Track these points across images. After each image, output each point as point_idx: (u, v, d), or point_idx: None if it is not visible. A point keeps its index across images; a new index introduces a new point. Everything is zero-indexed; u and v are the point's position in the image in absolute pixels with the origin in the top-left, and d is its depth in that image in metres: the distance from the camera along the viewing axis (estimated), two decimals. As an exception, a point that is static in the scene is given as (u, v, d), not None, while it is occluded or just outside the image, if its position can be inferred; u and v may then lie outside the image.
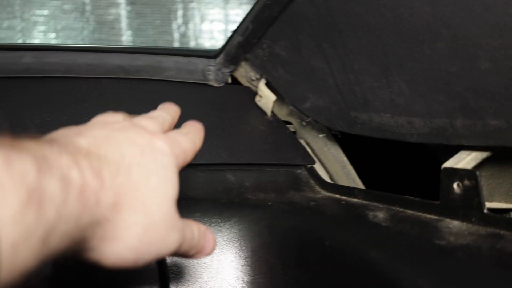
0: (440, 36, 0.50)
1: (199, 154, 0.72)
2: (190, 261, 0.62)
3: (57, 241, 0.29)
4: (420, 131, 0.59)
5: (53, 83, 0.78)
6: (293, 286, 0.60)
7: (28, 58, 0.77)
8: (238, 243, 0.64)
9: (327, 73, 0.67)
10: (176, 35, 3.49)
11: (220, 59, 0.84)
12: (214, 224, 0.64)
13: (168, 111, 0.50)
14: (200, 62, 0.86)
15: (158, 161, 0.38)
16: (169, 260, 0.61)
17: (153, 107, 0.78)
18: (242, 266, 0.63)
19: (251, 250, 0.64)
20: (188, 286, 0.61)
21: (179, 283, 0.61)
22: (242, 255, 0.64)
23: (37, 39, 2.84)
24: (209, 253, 0.45)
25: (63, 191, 0.29)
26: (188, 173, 0.72)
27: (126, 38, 3.40)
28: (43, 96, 0.75)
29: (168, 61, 0.84)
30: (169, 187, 0.39)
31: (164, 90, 0.83)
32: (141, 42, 3.51)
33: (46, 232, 0.27)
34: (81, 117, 0.73)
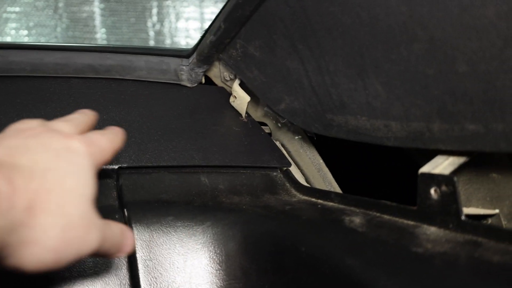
0: (417, 38, 0.49)
1: (172, 155, 0.71)
2: (162, 266, 0.60)
3: None
4: (397, 135, 0.58)
5: (20, 83, 0.75)
6: (268, 292, 0.59)
7: (-8, 56, 0.75)
8: (212, 247, 0.62)
9: (303, 74, 0.66)
10: (151, 33, 3.46)
11: (193, 58, 0.82)
12: (188, 228, 0.62)
13: (84, 113, 0.51)
14: (172, 62, 0.84)
15: (73, 163, 0.40)
16: (140, 265, 0.59)
17: (125, 107, 0.77)
18: (216, 270, 0.62)
19: (226, 254, 0.62)
20: None
21: (150, 290, 0.59)
22: (216, 260, 0.62)
23: (8, 36, 2.79)
24: (128, 251, 0.47)
25: None
26: (160, 175, 0.70)
27: (100, 36, 3.36)
28: (9, 96, 0.72)
29: (139, 61, 0.82)
30: (86, 187, 0.39)
31: (136, 90, 0.81)
32: (116, 40, 3.47)
33: None
34: (50, 117, 0.70)
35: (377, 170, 1.03)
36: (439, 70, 0.49)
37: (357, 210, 0.61)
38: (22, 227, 0.34)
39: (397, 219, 0.56)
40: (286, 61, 0.67)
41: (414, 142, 0.57)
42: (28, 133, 0.40)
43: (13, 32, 2.86)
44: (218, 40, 0.73)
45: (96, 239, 0.40)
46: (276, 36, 0.65)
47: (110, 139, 0.46)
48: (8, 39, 2.67)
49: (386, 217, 0.57)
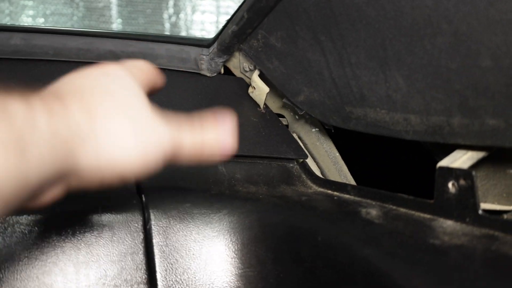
0: (442, 31, 0.49)
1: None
2: (178, 252, 0.61)
3: (39, 152, 0.32)
4: (416, 129, 0.59)
5: (42, 66, 0.76)
6: (284, 280, 0.59)
7: (16, 39, 0.75)
8: (228, 235, 0.63)
9: (323, 66, 0.66)
10: (167, 25, 3.47)
11: (213, 48, 0.83)
12: (204, 215, 0.63)
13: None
14: (193, 51, 0.84)
15: (116, 81, 0.41)
16: (156, 250, 0.60)
17: (145, 94, 0.77)
18: (232, 258, 0.62)
19: (241, 242, 0.63)
20: (176, 276, 0.60)
21: (166, 274, 0.60)
22: (232, 248, 0.63)
23: (25, 24, 2.81)
24: (229, 146, 0.47)
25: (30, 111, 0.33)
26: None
27: (116, 26, 3.37)
28: (32, 78, 0.73)
29: (160, 49, 0.83)
30: (138, 98, 0.41)
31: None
32: (132, 31, 3.48)
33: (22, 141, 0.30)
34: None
35: (391, 164, 1.03)
36: (462, 64, 0.49)
37: (374, 203, 0.62)
38: (91, 133, 0.36)
39: (413, 212, 0.56)
40: (308, 53, 0.67)
41: (433, 136, 0.57)
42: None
43: (30, 19, 2.89)
44: (240, 30, 0.73)
45: (169, 134, 0.41)
46: (299, 27, 0.65)
47: (141, 63, 0.47)
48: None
49: (403, 210, 0.58)
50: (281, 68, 0.74)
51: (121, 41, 0.81)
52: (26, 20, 2.85)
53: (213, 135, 0.45)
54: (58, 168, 0.34)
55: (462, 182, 0.50)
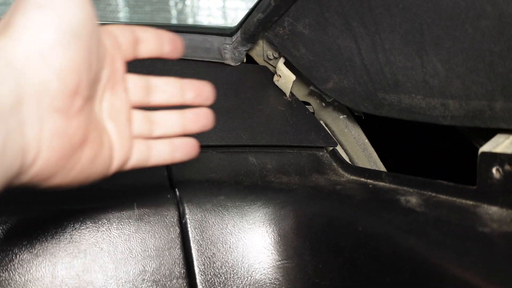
0: (485, 14, 0.47)
1: (219, 135, 0.71)
2: (215, 245, 0.61)
3: None
4: (454, 114, 0.57)
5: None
6: (322, 271, 0.58)
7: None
8: (263, 227, 0.62)
9: (355, 52, 0.65)
10: (174, 12, 3.45)
11: (236, 37, 0.81)
12: (239, 208, 0.63)
13: None
14: (216, 40, 0.83)
15: None
16: (193, 244, 0.60)
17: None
18: (268, 250, 0.62)
19: (277, 234, 0.62)
20: (214, 270, 0.59)
21: (205, 268, 0.59)
22: (268, 240, 0.62)
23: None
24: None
25: None
26: (209, 154, 0.70)
27: (123, 15, 3.36)
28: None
29: (184, 39, 0.81)
30: None
31: (180, 68, 0.81)
32: (139, 19, 3.48)
33: None
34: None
35: (419, 150, 1.02)
36: (507, 47, 0.48)
37: (411, 190, 0.61)
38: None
39: (454, 198, 0.55)
40: (338, 39, 0.66)
41: (473, 121, 0.56)
42: None
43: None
44: (266, 18, 0.72)
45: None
46: (329, 14, 0.64)
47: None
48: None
49: (443, 197, 0.57)
50: (309, 55, 0.73)
51: (144, 33, 0.80)
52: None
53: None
54: None
55: (507, 167, 0.49)
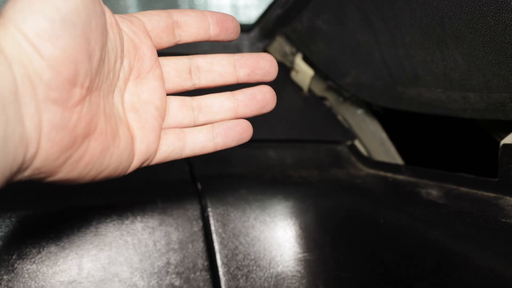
0: (507, 6, 0.48)
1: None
2: (238, 239, 0.61)
3: None
4: (475, 107, 0.58)
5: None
6: (343, 264, 0.59)
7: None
8: (284, 221, 0.63)
9: (374, 47, 0.65)
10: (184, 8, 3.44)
11: (254, 33, 0.82)
12: (260, 201, 0.63)
13: None
14: (234, 37, 0.84)
15: None
16: (216, 237, 0.61)
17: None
18: (290, 243, 0.63)
19: (298, 227, 0.63)
20: (237, 262, 0.60)
21: (228, 261, 0.60)
22: (289, 233, 0.63)
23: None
24: None
25: None
26: (229, 149, 0.70)
27: (133, 11, 3.36)
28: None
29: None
30: None
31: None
32: (150, 17, 3.48)
33: None
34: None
35: (440, 144, 1.02)
36: (529, 40, 0.48)
37: (431, 183, 0.61)
38: None
39: (476, 191, 0.56)
40: (357, 34, 0.66)
41: (494, 113, 0.56)
42: None
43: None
44: (285, 14, 0.72)
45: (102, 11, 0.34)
46: (348, 9, 0.64)
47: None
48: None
49: (464, 189, 0.57)
50: (327, 50, 0.74)
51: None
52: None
53: None
54: None
55: (529, 159, 0.50)
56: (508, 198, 0.52)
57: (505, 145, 0.53)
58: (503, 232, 0.45)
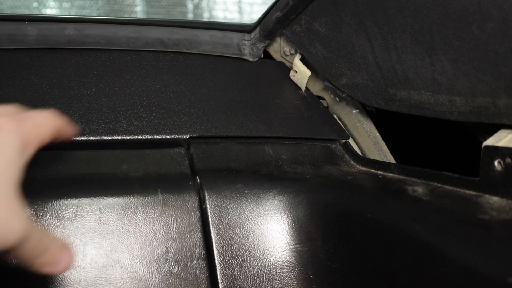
0: (491, 17, 0.51)
1: (238, 126, 0.75)
2: (233, 229, 0.65)
3: None
4: (460, 110, 0.61)
5: (95, 55, 0.80)
6: (333, 255, 0.62)
7: (70, 30, 0.79)
8: (278, 214, 0.66)
9: (368, 50, 0.68)
10: (190, 6, 3.47)
11: (255, 33, 0.85)
12: (255, 195, 0.66)
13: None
14: (235, 37, 0.87)
15: None
16: (213, 228, 0.64)
17: (192, 80, 0.81)
18: (283, 235, 0.66)
19: (291, 220, 0.66)
20: (232, 252, 0.63)
21: (223, 250, 0.63)
22: (283, 225, 0.66)
23: (48, 8, 2.84)
24: (62, 269, 0.41)
25: None
26: (228, 145, 0.74)
27: (141, 9, 3.39)
28: (87, 67, 0.77)
29: (205, 35, 0.86)
30: (7, 168, 0.35)
31: (201, 63, 0.85)
32: (155, 13, 3.50)
33: None
34: (124, 89, 0.75)
35: (428, 144, 1.05)
36: (510, 49, 0.51)
37: (418, 181, 0.64)
38: None
39: (459, 189, 0.59)
40: (352, 38, 0.69)
41: (478, 116, 0.59)
42: None
43: (53, 4, 2.90)
44: (284, 16, 0.76)
45: (18, 231, 0.34)
46: (344, 14, 0.68)
47: (46, 115, 0.42)
48: (49, 11, 2.74)
49: (448, 187, 0.60)
50: (324, 52, 0.77)
51: (167, 29, 0.84)
52: (50, 4, 2.87)
53: (56, 250, 0.40)
54: None
55: (508, 160, 0.53)
56: (487, 196, 0.55)
57: (487, 146, 0.56)
58: (479, 227, 0.49)
